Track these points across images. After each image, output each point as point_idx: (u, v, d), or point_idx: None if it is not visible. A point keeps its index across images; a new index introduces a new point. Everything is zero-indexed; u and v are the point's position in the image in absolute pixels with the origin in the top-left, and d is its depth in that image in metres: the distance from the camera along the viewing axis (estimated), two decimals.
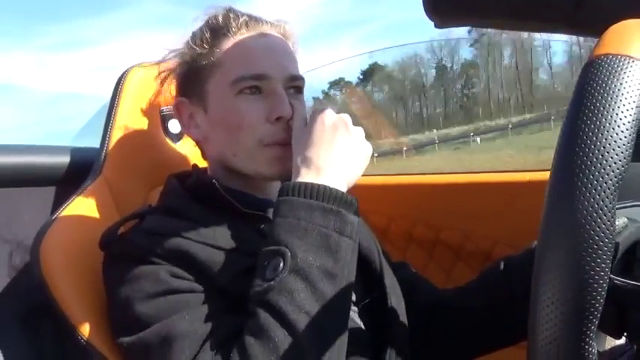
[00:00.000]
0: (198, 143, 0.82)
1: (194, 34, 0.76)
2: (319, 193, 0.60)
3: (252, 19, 0.75)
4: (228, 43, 0.73)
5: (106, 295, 0.69)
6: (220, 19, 0.74)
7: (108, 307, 0.68)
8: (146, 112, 0.95)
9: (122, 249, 0.67)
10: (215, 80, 0.73)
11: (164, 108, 0.97)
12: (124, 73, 0.96)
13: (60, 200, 0.82)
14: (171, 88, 0.91)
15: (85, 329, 0.69)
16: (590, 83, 0.34)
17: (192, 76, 0.75)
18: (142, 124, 0.94)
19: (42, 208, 0.92)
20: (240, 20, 0.74)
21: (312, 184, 0.61)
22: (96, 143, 0.94)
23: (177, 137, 0.98)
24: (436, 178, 1.25)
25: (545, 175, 1.03)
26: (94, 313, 0.70)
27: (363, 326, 0.75)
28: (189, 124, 0.77)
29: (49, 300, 0.70)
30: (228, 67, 0.72)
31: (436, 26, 0.67)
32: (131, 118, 0.92)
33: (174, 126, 0.97)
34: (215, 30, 0.74)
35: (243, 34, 0.73)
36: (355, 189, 1.26)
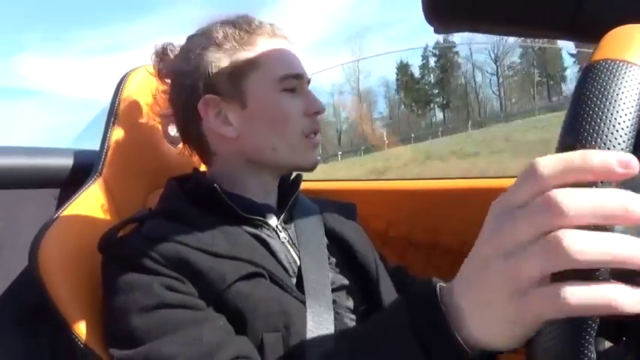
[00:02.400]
0: (204, 145, 0.79)
1: (225, 35, 0.76)
2: (439, 337, 0.38)
3: (278, 27, 0.80)
4: (265, 42, 0.76)
5: (102, 298, 0.68)
6: (256, 22, 0.78)
7: (102, 312, 0.68)
8: (146, 115, 0.95)
9: (120, 252, 0.67)
10: (257, 77, 0.75)
11: (165, 111, 0.97)
12: (125, 75, 0.96)
13: (63, 202, 0.82)
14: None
15: (82, 331, 0.68)
16: (589, 87, 0.34)
17: (225, 73, 0.75)
18: (142, 126, 0.94)
19: (45, 210, 0.92)
20: (274, 26, 0.79)
21: (442, 325, 0.37)
22: (95, 146, 0.94)
23: (177, 140, 0.98)
24: (436, 184, 1.25)
25: None
26: (91, 314, 0.70)
27: None
28: (217, 121, 0.76)
29: (46, 301, 0.70)
30: (270, 65, 0.76)
31: (435, 31, 0.67)
32: (131, 121, 0.92)
33: (174, 129, 0.97)
34: (249, 31, 0.76)
35: (278, 38, 0.78)
36: (355, 193, 1.26)
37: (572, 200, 0.29)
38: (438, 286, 0.40)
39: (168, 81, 0.83)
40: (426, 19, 0.63)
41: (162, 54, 0.85)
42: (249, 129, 0.76)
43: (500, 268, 0.32)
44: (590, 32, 0.54)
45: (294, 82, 0.77)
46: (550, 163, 0.31)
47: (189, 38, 0.81)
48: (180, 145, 0.98)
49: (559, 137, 0.34)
